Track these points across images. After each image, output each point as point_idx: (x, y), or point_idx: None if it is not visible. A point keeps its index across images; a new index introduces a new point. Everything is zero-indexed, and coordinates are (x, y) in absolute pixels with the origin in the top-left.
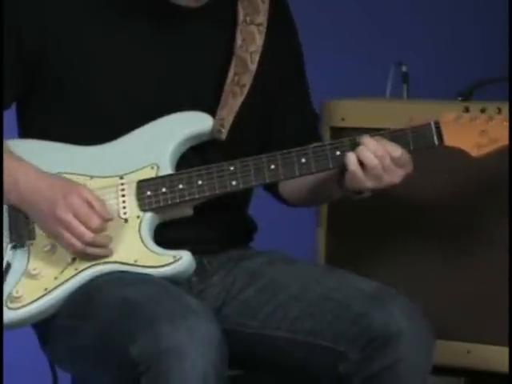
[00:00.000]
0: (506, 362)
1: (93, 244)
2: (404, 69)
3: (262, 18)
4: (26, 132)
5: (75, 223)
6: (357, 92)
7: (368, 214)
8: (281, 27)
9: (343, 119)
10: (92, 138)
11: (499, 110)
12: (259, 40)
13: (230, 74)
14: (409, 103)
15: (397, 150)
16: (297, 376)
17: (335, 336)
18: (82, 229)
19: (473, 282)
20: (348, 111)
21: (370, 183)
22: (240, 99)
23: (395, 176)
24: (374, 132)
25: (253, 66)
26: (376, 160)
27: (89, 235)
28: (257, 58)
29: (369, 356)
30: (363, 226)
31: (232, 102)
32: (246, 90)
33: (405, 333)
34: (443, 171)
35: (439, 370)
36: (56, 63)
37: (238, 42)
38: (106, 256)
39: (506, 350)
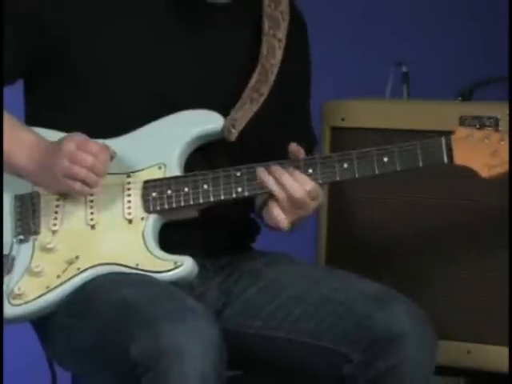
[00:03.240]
0: (505, 362)
1: (95, 170)
2: (404, 69)
3: (282, 34)
4: (32, 120)
5: (77, 151)
6: (357, 92)
7: (369, 214)
8: (296, 48)
9: (343, 119)
10: (103, 131)
11: None
12: (278, 54)
13: (253, 80)
14: (409, 103)
15: (308, 184)
16: (297, 377)
17: (337, 337)
18: (83, 154)
19: (473, 282)
20: (348, 111)
21: (285, 221)
22: (256, 106)
23: (309, 209)
24: (374, 132)
25: (272, 78)
26: (287, 200)
27: (90, 159)
28: (275, 71)
29: (372, 358)
30: (364, 226)
31: (248, 107)
32: (262, 99)
33: (407, 334)
34: (445, 173)
35: (439, 370)
36: (74, 54)
37: (264, 51)
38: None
39: (505, 350)
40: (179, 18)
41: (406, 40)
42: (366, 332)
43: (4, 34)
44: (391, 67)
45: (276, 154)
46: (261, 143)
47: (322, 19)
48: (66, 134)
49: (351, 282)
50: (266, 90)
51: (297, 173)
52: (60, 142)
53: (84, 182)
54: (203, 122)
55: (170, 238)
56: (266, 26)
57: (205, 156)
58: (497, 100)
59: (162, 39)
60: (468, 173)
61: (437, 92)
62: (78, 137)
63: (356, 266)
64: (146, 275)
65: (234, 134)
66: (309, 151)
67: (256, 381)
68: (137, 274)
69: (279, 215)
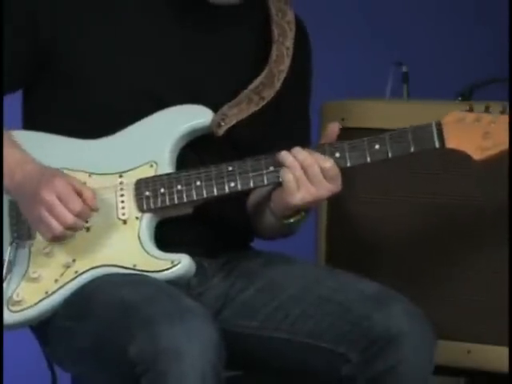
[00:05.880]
0: (505, 362)
1: (73, 228)
2: (404, 69)
3: (289, 42)
4: (29, 123)
5: (58, 205)
6: (357, 92)
7: (369, 214)
8: (300, 60)
9: (343, 119)
10: (98, 132)
11: (503, 110)
12: (287, 62)
13: (257, 81)
14: (409, 103)
15: (326, 161)
16: (297, 377)
17: (335, 338)
18: (63, 211)
19: (473, 281)
20: (348, 111)
21: (297, 195)
22: (253, 109)
23: (322, 188)
24: (374, 132)
25: (278, 84)
26: (303, 173)
27: (70, 218)
28: (282, 77)
29: (370, 358)
30: (364, 226)
31: (244, 107)
32: (262, 103)
33: (406, 334)
34: (443, 172)
35: (439, 370)
36: (65, 54)
37: (273, 56)
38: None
39: (505, 350)
40: (176, 17)
41: (406, 40)
42: (364, 332)
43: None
44: (391, 67)
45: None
46: (252, 143)
47: (322, 19)
48: (61, 137)
49: (351, 282)
50: (269, 95)
51: (315, 152)
52: (42, 182)
53: (55, 234)
54: (192, 116)
55: (168, 238)
56: (275, 33)
57: (194, 151)
58: (497, 100)
59: (157, 38)
60: (467, 171)
61: (437, 92)
62: (59, 182)
63: (356, 266)
64: (143, 275)
65: (222, 129)
66: None
67: (255, 381)
68: (134, 274)
69: (290, 181)
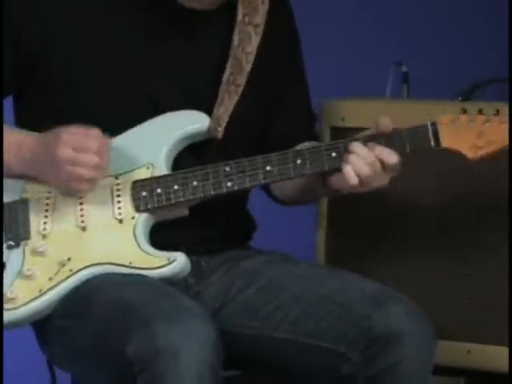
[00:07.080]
0: (505, 362)
1: (101, 166)
2: (404, 69)
3: (260, 19)
4: (22, 125)
5: (77, 155)
6: (357, 92)
7: (368, 213)
8: (279, 29)
9: (343, 119)
10: None
11: (497, 112)
12: (255, 41)
13: (227, 73)
14: (409, 103)
15: (391, 157)
16: (297, 377)
17: (336, 337)
18: (85, 156)
19: (473, 281)
20: (348, 111)
21: (360, 189)
22: (235, 98)
23: (384, 179)
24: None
25: (247, 66)
26: (368, 169)
27: (94, 158)
28: (252, 58)
29: (370, 357)
30: (363, 225)
31: (227, 102)
32: (240, 90)
33: (406, 333)
34: (443, 173)
35: (439, 370)
36: (55, 61)
37: (235, 42)
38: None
39: (505, 350)
40: (162, 19)
41: (406, 40)
42: (365, 332)
43: None
44: (391, 67)
45: (273, 140)
46: (254, 132)
47: (321, 19)
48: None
49: (351, 282)
50: (242, 80)
51: (378, 147)
52: (52, 146)
53: (91, 181)
54: (189, 122)
55: (164, 238)
56: (240, 14)
57: (195, 154)
58: (497, 100)
59: (145, 41)
60: (469, 172)
61: (437, 92)
62: (66, 135)
63: (356, 266)
64: (140, 274)
65: (220, 132)
66: (309, 128)
67: (255, 381)
68: (132, 274)
69: (349, 174)
